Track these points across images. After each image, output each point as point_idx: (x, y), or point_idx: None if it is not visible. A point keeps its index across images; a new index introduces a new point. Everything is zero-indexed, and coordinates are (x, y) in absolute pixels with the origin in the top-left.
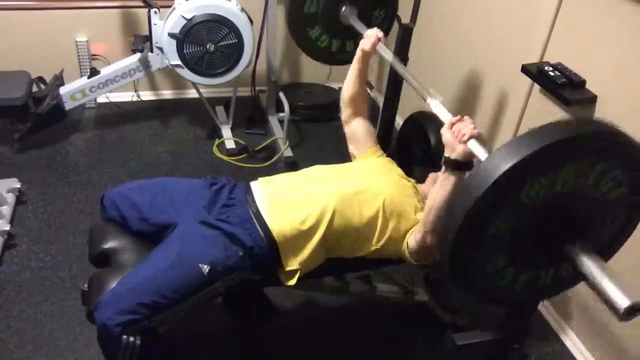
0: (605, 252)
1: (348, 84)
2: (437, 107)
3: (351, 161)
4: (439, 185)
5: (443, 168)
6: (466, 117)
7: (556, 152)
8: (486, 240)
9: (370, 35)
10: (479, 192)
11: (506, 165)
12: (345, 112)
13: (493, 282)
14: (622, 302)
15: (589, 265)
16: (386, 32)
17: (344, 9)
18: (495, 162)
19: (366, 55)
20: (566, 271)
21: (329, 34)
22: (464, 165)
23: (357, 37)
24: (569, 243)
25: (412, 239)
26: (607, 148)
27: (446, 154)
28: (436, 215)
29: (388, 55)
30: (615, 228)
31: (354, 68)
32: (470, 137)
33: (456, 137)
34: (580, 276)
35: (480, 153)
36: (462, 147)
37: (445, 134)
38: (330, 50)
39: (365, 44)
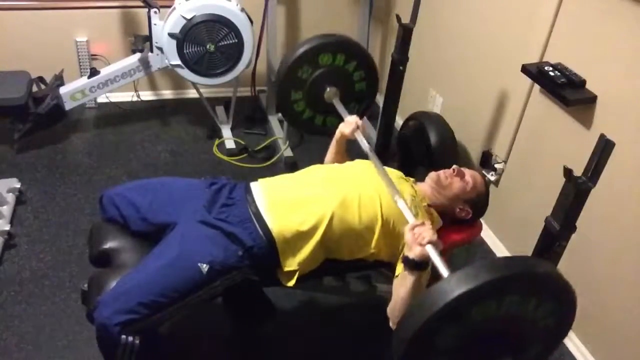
0: None
1: (329, 157)
2: (403, 208)
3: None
4: (400, 281)
5: (402, 266)
6: (427, 222)
7: (503, 284)
8: (431, 349)
9: (351, 122)
10: (431, 311)
11: (459, 291)
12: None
13: None
14: None
15: None
16: (361, 117)
17: (328, 89)
18: (447, 287)
19: (344, 138)
20: None
21: (307, 102)
22: (420, 265)
23: (328, 115)
24: (502, 358)
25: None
26: (544, 287)
27: (405, 253)
28: (400, 308)
29: (364, 144)
30: (539, 349)
31: (333, 147)
32: (428, 242)
33: (416, 239)
34: None
35: (435, 258)
36: (419, 249)
37: (407, 235)
38: (301, 115)
39: (345, 129)
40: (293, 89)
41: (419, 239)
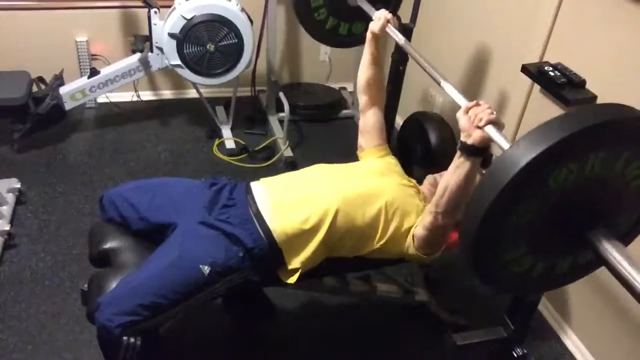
0: (624, 239)
1: (362, 68)
2: (452, 91)
3: (356, 154)
4: (453, 169)
5: (458, 153)
6: (482, 102)
7: (585, 139)
8: (508, 229)
9: (379, 17)
10: (505, 181)
11: (534, 153)
12: (361, 100)
13: (511, 270)
14: None
15: (612, 251)
16: (394, 12)
17: None
18: (521, 149)
19: (376, 38)
20: (584, 258)
21: (329, 8)
22: (480, 151)
23: (354, 21)
24: (592, 229)
25: (419, 227)
26: (634, 135)
27: (462, 139)
28: (449, 197)
29: (398, 37)
30: (634, 217)
31: (366, 52)
32: (488, 123)
33: (472, 122)
34: (601, 262)
35: (499, 139)
36: (479, 133)
37: (462, 119)
38: (324, 25)
39: (374, 27)
40: None
41: (476, 120)
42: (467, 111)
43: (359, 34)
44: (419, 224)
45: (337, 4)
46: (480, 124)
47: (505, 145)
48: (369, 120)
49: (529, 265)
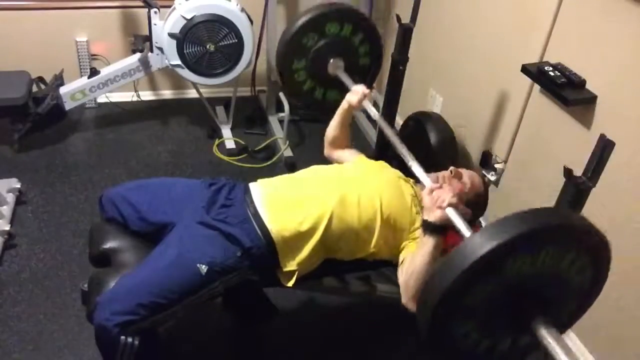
0: (562, 328)
1: (332, 129)
2: (419, 172)
3: None
4: (419, 247)
5: (422, 230)
6: (445, 185)
7: (536, 238)
8: (461, 307)
9: (357, 92)
10: (464, 266)
11: (490, 245)
12: (327, 149)
13: (460, 344)
14: None
15: (550, 339)
16: (370, 86)
17: (332, 60)
18: (481, 240)
19: (351, 109)
20: (524, 341)
21: (309, 72)
22: (440, 229)
23: (329, 88)
24: (535, 317)
25: (400, 273)
26: (576, 239)
27: (424, 216)
28: (417, 278)
29: (373, 112)
30: (572, 308)
31: (338, 117)
32: (449, 205)
33: (435, 202)
34: (539, 347)
35: (457, 221)
36: (440, 213)
37: (425, 198)
38: (302, 86)
39: (352, 99)
40: (296, 57)
41: (439, 201)
42: (431, 192)
43: (332, 100)
44: (403, 262)
45: (318, 70)
46: (443, 205)
47: (462, 228)
48: (342, 156)
49: (475, 341)
